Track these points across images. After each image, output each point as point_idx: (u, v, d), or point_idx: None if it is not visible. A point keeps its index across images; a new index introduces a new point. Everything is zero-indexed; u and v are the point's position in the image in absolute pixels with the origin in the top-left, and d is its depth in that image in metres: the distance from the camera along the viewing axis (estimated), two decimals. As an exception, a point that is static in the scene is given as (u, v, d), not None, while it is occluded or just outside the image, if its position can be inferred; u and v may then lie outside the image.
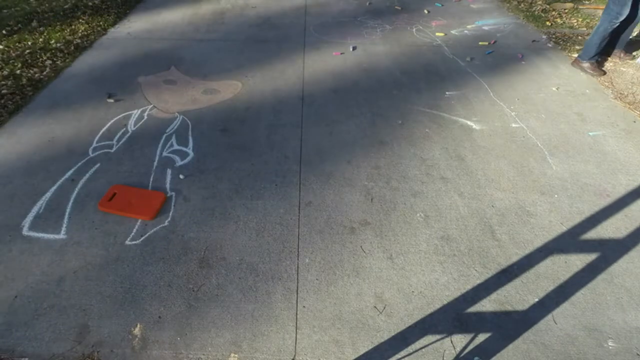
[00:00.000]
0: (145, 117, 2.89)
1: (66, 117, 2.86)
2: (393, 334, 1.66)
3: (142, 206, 2.17)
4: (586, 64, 3.48)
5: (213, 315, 1.71)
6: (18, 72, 3.36)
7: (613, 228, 2.13)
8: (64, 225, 2.09)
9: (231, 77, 3.39)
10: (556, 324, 1.71)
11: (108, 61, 3.59)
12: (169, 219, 2.13)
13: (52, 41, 3.88)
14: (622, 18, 3.18)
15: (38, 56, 3.61)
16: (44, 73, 3.39)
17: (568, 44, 3.97)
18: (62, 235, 2.04)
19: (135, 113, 2.93)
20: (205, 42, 3.95)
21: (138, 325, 1.67)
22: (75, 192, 2.27)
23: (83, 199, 2.22)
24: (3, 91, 3.10)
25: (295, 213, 2.19)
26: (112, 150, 2.57)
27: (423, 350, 1.61)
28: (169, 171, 2.43)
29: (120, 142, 2.64)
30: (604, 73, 3.47)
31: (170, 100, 3.08)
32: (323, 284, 1.85)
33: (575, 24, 4.43)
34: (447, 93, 3.22)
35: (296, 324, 1.69)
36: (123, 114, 2.91)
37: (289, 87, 3.26)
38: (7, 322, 1.67)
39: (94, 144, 2.62)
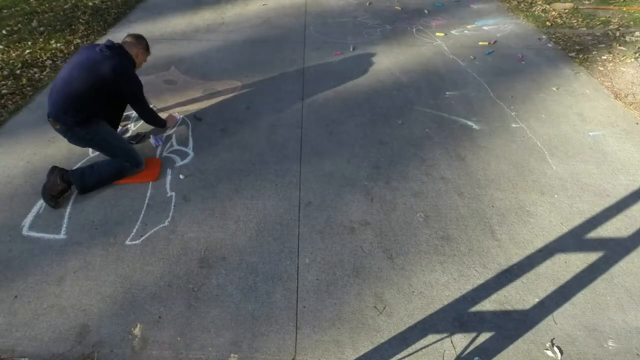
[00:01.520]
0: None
1: (66, 117, 2.86)
2: (393, 334, 1.66)
3: (144, 171, 2.38)
4: None
5: (213, 315, 1.72)
6: (18, 72, 3.37)
7: (613, 228, 2.13)
8: (64, 225, 2.09)
9: (231, 77, 3.39)
10: (556, 324, 1.71)
11: (108, 61, 3.59)
12: (169, 219, 2.13)
13: (52, 41, 3.88)
14: None
15: (38, 56, 3.62)
16: (44, 73, 3.39)
17: (568, 44, 3.97)
18: (62, 235, 2.04)
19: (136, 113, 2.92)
20: (205, 42, 3.95)
21: (138, 325, 1.67)
22: (75, 192, 2.26)
23: (83, 199, 2.22)
24: (3, 91, 3.10)
25: (295, 213, 2.19)
26: (112, 150, 2.57)
27: (423, 350, 1.61)
28: (169, 171, 2.43)
29: (120, 142, 2.64)
30: None
31: (170, 100, 3.09)
32: (323, 284, 1.85)
33: (575, 24, 4.43)
34: (447, 93, 3.22)
35: (296, 324, 1.69)
36: (124, 113, 2.90)
37: (289, 87, 3.26)
38: (7, 322, 1.67)
39: (94, 144, 2.62)
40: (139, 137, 2.66)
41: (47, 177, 2.17)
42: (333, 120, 2.90)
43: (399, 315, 1.73)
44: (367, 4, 4.87)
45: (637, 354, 1.62)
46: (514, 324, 1.70)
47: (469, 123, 2.89)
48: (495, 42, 4.01)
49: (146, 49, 2.43)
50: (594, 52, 3.82)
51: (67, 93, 2.11)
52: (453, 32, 4.23)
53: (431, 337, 1.65)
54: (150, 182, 2.34)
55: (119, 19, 4.43)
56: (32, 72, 3.39)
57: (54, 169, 2.18)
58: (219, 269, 1.90)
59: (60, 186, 2.14)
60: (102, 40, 3.93)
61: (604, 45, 3.94)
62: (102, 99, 2.22)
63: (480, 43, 3.99)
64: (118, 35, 4.07)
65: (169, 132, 2.75)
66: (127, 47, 2.30)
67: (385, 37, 4.11)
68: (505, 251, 2.01)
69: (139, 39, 2.40)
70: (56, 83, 2.17)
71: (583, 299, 1.80)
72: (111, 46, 2.22)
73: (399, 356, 1.59)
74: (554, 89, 3.29)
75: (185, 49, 3.82)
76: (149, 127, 2.77)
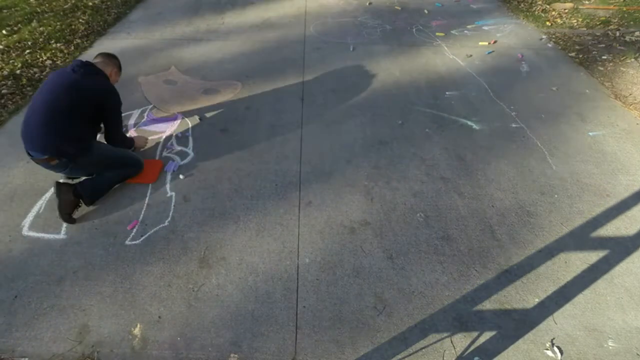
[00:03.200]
0: (145, 117, 2.89)
1: (66, 117, 2.85)
2: (393, 334, 1.66)
3: (144, 172, 2.35)
4: None
5: (213, 315, 1.72)
6: (18, 72, 3.37)
7: (613, 228, 2.13)
8: (64, 225, 2.09)
9: (231, 77, 3.39)
10: (556, 324, 1.71)
11: (108, 61, 3.59)
12: (169, 219, 2.13)
13: (52, 41, 3.88)
14: None
15: (38, 56, 3.62)
16: (44, 73, 3.39)
17: (568, 44, 3.97)
18: (62, 235, 2.04)
19: (135, 113, 2.93)
20: (205, 42, 3.95)
21: (138, 325, 1.68)
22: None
23: (83, 199, 2.22)
24: (3, 91, 3.10)
25: (295, 213, 2.19)
26: (112, 150, 2.57)
27: (423, 350, 1.61)
28: (169, 171, 2.43)
29: (120, 142, 2.63)
30: None
31: (170, 100, 3.09)
32: (323, 284, 1.85)
33: (575, 24, 4.43)
34: (447, 93, 3.22)
35: (296, 324, 1.69)
36: (123, 114, 2.89)
37: (289, 87, 3.26)
38: (7, 322, 1.68)
39: (94, 144, 2.61)
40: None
41: (57, 197, 2.04)
42: (333, 120, 2.90)
43: (399, 315, 1.73)
44: (368, 3, 4.87)
45: (637, 354, 1.62)
46: (514, 324, 1.70)
47: (469, 123, 2.89)
48: (495, 42, 4.01)
49: (119, 69, 2.30)
50: (594, 52, 3.82)
51: (57, 122, 1.93)
52: (453, 32, 4.23)
53: (431, 337, 1.65)
54: (150, 183, 2.34)
55: (119, 19, 4.43)
56: (32, 72, 3.39)
57: (61, 187, 2.06)
58: (219, 269, 1.90)
59: (75, 202, 2.08)
60: (102, 40, 3.95)
61: (604, 45, 3.94)
62: (88, 120, 2.07)
63: (480, 43, 3.99)
64: (118, 35, 4.08)
65: (168, 133, 2.75)
66: (100, 66, 2.14)
67: (385, 37, 4.11)
68: (505, 251, 2.01)
69: (112, 58, 2.26)
70: (33, 113, 1.94)
71: (583, 299, 1.80)
72: (82, 64, 2.04)
73: (399, 356, 1.59)
74: (553, 89, 3.29)
75: (185, 49, 3.82)
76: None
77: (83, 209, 2.17)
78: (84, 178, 2.23)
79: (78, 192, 2.10)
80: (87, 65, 2.06)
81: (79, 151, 2.03)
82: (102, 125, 2.23)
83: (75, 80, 1.99)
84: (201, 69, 3.49)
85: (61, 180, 2.20)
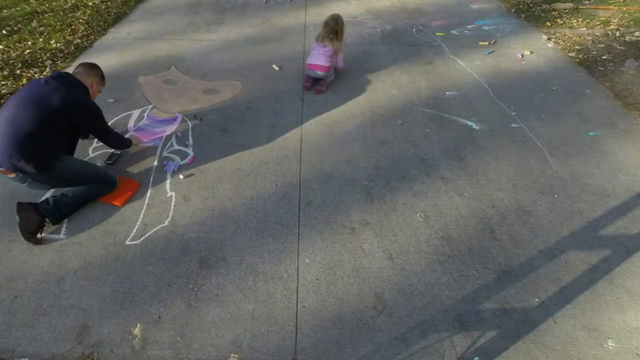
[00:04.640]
0: (145, 117, 2.89)
1: (66, 117, 2.85)
2: (393, 334, 1.66)
3: (115, 192, 2.24)
4: None
5: (213, 315, 1.72)
6: (18, 72, 3.37)
7: (613, 228, 2.13)
8: (64, 226, 2.09)
9: (231, 77, 3.39)
10: (556, 324, 1.71)
11: (108, 61, 3.58)
12: (169, 219, 2.13)
13: (52, 41, 3.88)
14: None
15: (38, 56, 3.62)
16: (44, 73, 3.39)
17: (568, 44, 3.97)
18: (62, 235, 2.04)
19: (136, 113, 2.93)
20: (205, 42, 3.95)
21: (138, 325, 1.68)
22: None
23: (83, 199, 2.22)
24: (3, 91, 3.10)
25: (295, 213, 2.19)
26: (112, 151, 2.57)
27: (423, 350, 1.61)
28: (169, 171, 2.43)
29: (120, 142, 2.63)
30: None
31: (170, 100, 3.09)
32: (323, 284, 1.85)
33: (575, 24, 4.43)
34: (447, 93, 3.22)
35: (296, 324, 1.69)
36: (123, 114, 2.91)
37: (289, 87, 3.26)
38: (7, 322, 1.68)
39: (94, 144, 2.62)
40: (115, 157, 2.49)
41: (18, 216, 1.95)
42: (333, 120, 2.90)
43: (399, 315, 1.73)
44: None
45: (637, 354, 1.62)
46: (514, 324, 1.70)
47: (469, 123, 2.89)
48: (495, 42, 4.01)
49: (101, 79, 2.24)
50: (593, 52, 3.82)
51: (17, 137, 1.84)
52: (453, 32, 4.23)
53: (431, 337, 1.65)
54: (150, 182, 2.34)
55: (119, 19, 4.43)
56: (32, 72, 3.39)
57: (22, 206, 1.97)
58: (219, 269, 1.90)
59: (38, 221, 1.98)
60: (102, 40, 3.95)
61: (604, 45, 3.94)
62: (58, 134, 1.99)
63: (480, 43, 3.99)
64: (118, 35, 4.08)
65: (168, 133, 2.75)
66: (80, 77, 2.08)
67: (385, 37, 4.11)
68: (505, 251, 2.01)
69: (93, 68, 2.19)
70: None
71: (583, 299, 1.80)
72: (58, 76, 1.98)
73: (399, 356, 1.59)
74: (553, 89, 3.28)
75: (185, 49, 3.82)
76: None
77: (84, 208, 2.17)
78: (48, 195, 2.15)
79: (41, 212, 2.01)
80: (62, 77, 1.99)
81: (38, 168, 1.92)
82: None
83: (44, 94, 1.90)
84: (201, 69, 3.49)
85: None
